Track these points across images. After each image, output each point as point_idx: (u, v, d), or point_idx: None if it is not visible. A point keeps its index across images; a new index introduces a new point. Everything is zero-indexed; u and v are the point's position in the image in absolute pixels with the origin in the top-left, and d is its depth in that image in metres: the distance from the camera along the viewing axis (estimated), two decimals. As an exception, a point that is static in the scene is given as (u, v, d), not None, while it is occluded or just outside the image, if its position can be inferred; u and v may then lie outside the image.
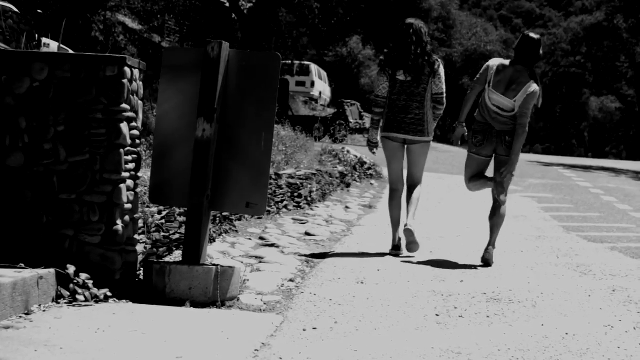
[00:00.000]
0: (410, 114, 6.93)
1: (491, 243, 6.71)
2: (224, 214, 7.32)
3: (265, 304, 4.86)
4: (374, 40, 34.89)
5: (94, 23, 24.88)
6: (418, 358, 3.82)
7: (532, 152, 54.47)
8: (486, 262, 6.62)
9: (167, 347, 3.71)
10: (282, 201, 9.45)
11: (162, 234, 6.27)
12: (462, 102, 6.94)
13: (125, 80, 4.75)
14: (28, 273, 4.22)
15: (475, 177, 6.89)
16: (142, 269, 5.09)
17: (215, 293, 4.73)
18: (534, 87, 6.53)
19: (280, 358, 3.70)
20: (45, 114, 4.73)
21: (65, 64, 4.75)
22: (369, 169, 15.41)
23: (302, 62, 36.60)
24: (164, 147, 5.12)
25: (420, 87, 6.92)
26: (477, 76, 6.78)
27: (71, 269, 4.47)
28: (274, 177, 10.40)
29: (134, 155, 4.95)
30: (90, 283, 4.52)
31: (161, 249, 5.83)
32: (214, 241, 6.66)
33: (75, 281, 4.47)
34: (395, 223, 7.01)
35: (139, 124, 5.04)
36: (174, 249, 5.94)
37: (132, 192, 4.94)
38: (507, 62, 6.69)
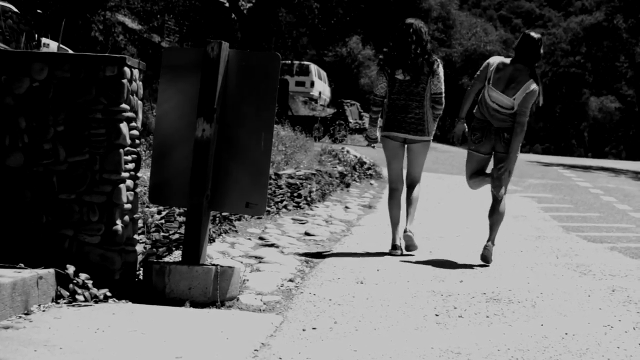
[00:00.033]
0: (410, 113, 6.95)
1: (490, 240, 6.72)
2: (224, 214, 7.32)
3: (264, 304, 4.86)
4: (374, 40, 34.89)
5: (94, 23, 24.87)
6: (417, 358, 3.82)
7: (532, 152, 54.46)
8: (485, 259, 6.63)
9: (166, 347, 3.71)
10: (281, 201, 9.45)
11: (162, 234, 6.27)
12: (461, 102, 6.95)
13: (124, 80, 4.75)
14: (27, 273, 4.22)
15: (475, 174, 6.91)
16: (141, 269, 5.09)
17: (214, 293, 4.73)
18: (534, 86, 6.54)
19: (280, 358, 3.70)
20: (45, 114, 4.73)
21: (65, 64, 4.75)
22: (369, 169, 15.41)
23: (302, 62, 36.59)
24: (163, 147, 5.12)
25: (419, 86, 6.93)
26: (477, 73, 6.80)
27: (71, 269, 4.47)
28: (273, 177, 10.40)
29: (134, 155, 4.95)
30: (89, 283, 4.52)
31: (161, 249, 5.83)
32: (214, 241, 6.66)
33: (75, 281, 4.47)
34: (395, 222, 7.02)
35: (139, 124, 5.04)
36: (174, 249, 5.94)
37: (132, 192, 4.94)
38: (507, 60, 6.70)
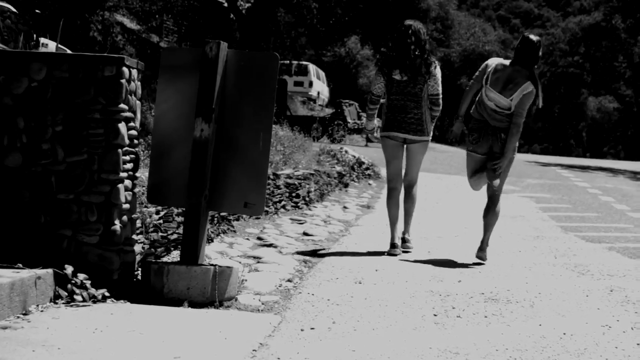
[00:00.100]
0: (409, 113, 6.99)
1: (485, 241, 6.77)
2: (222, 214, 7.32)
3: (263, 304, 4.87)
4: (372, 40, 34.87)
5: (92, 23, 24.85)
6: (416, 358, 3.82)
7: (530, 152, 54.51)
8: (480, 258, 6.69)
9: (165, 347, 3.71)
10: (280, 201, 9.45)
11: (160, 234, 6.27)
12: (460, 102, 6.99)
13: (123, 80, 4.75)
14: (26, 273, 4.22)
15: (474, 174, 6.94)
16: (140, 269, 5.09)
17: (213, 293, 4.74)
18: (531, 87, 6.56)
19: (278, 358, 3.70)
20: (43, 114, 4.73)
21: (63, 64, 4.75)
22: (367, 169, 15.41)
23: (300, 62, 36.61)
24: (162, 147, 5.12)
25: (416, 87, 6.96)
26: (476, 74, 6.82)
27: (69, 269, 4.47)
28: (272, 177, 10.40)
29: (132, 156, 4.95)
30: (88, 283, 4.52)
31: (159, 249, 5.83)
32: (212, 241, 6.66)
33: (73, 281, 4.47)
34: (393, 222, 7.06)
35: (137, 124, 5.04)
36: (172, 249, 5.94)
37: (130, 192, 4.94)
38: (506, 62, 6.72)
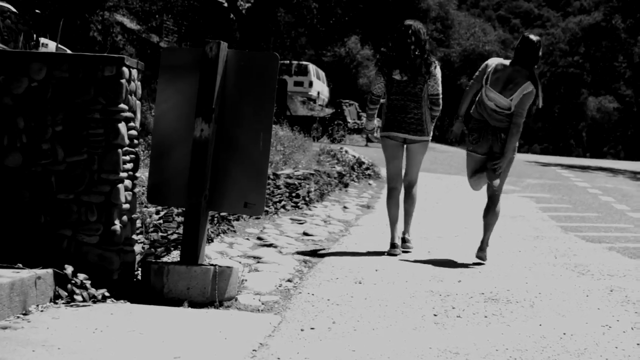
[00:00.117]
0: (409, 113, 7.00)
1: (484, 241, 6.79)
2: (222, 214, 7.32)
3: (263, 304, 4.86)
4: (372, 40, 34.86)
5: (92, 23, 24.86)
6: (416, 358, 3.82)
7: (530, 152, 54.49)
8: (479, 258, 6.71)
9: (165, 347, 3.71)
10: (280, 201, 9.45)
11: (160, 234, 6.27)
12: (460, 102, 6.99)
13: (123, 80, 4.75)
14: (26, 273, 4.22)
15: (474, 174, 6.95)
16: (140, 269, 5.09)
17: (213, 293, 4.73)
18: (531, 87, 6.56)
19: (278, 358, 3.70)
20: (43, 114, 4.73)
21: (63, 64, 4.75)
22: (367, 169, 15.41)
23: (300, 62, 36.62)
24: (162, 147, 5.12)
25: (416, 87, 6.97)
26: (476, 74, 6.83)
27: (69, 269, 4.47)
28: (272, 177, 10.40)
29: (132, 156, 4.95)
30: (88, 283, 4.52)
31: (159, 249, 5.83)
32: (212, 241, 6.66)
33: (73, 281, 4.47)
34: (394, 221, 7.07)
35: (137, 124, 5.04)
36: (172, 249, 5.94)
37: (130, 192, 4.94)
38: (506, 62, 6.73)
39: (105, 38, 24.94)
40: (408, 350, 3.95)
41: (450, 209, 11.05)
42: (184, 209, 5.22)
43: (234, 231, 7.41)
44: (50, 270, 4.41)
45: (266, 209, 8.71)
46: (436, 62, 7.08)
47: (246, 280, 5.37)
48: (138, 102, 5.05)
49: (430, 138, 7.15)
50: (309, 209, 9.76)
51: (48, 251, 4.66)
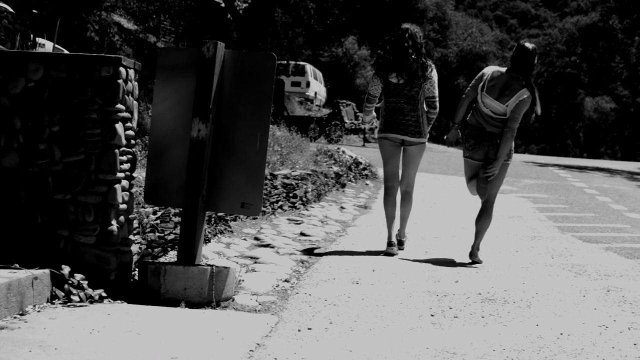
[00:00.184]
0: (406, 115, 7.05)
1: (475, 246, 6.87)
2: (219, 214, 7.31)
3: (260, 304, 4.86)
4: (370, 41, 34.91)
5: (89, 23, 24.84)
6: (413, 358, 3.83)
7: (527, 152, 54.54)
8: (473, 262, 6.77)
9: (162, 347, 3.71)
10: (277, 201, 9.44)
11: (157, 234, 6.27)
12: (457, 102, 7.04)
13: (120, 81, 4.75)
14: (23, 273, 4.21)
15: (471, 179, 6.99)
16: (137, 269, 5.09)
17: (210, 293, 4.73)
18: (527, 94, 6.64)
19: (275, 358, 3.70)
20: (40, 114, 4.72)
21: (61, 64, 4.74)
22: (364, 169, 15.41)
23: (298, 63, 36.64)
24: (159, 148, 5.12)
25: (413, 90, 7.02)
26: (472, 82, 6.91)
27: (66, 270, 4.47)
28: (269, 177, 10.39)
29: (129, 156, 4.95)
30: (85, 283, 4.51)
31: (156, 250, 5.83)
32: (209, 241, 6.66)
33: (70, 282, 4.46)
34: (391, 220, 7.12)
35: (134, 124, 5.03)
36: (169, 249, 5.94)
37: (127, 193, 4.94)
38: (503, 69, 6.81)
39: (103, 38, 24.92)
40: (405, 350, 3.95)
41: (448, 210, 11.06)
42: (181, 209, 5.22)
43: (231, 231, 7.40)
44: (47, 271, 4.40)
45: (263, 209, 8.71)
46: (432, 65, 7.13)
47: (243, 280, 5.37)
48: (135, 103, 5.05)
49: (427, 140, 7.21)
50: (306, 210, 9.76)
51: (45, 251, 4.66)
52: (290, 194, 9.99)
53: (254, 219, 8.23)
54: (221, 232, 7.17)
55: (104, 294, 4.58)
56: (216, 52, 4.94)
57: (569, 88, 61.98)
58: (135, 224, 6.04)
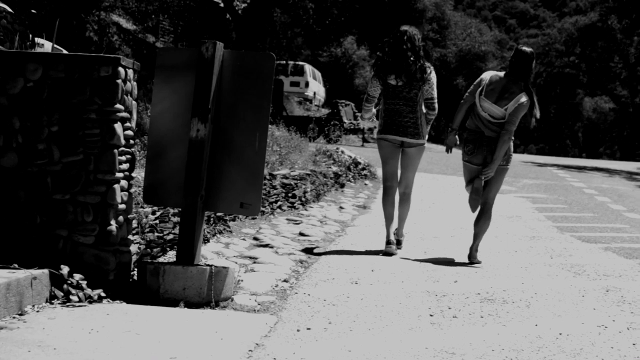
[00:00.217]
0: (405, 117, 7.08)
1: (474, 248, 6.88)
2: (218, 214, 7.31)
3: (259, 304, 4.86)
4: (368, 41, 34.93)
5: (88, 23, 24.83)
6: (412, 358, 3.83)
7: (526, 152, 54.55)
8: (471, 263, 6.77)
9: (161, 347, 3.71)
10: (276, 201, 9.44)
11: (156, 234, 6.26)
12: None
13: (119, 81, 4.74)
14: (22, 273, 4.21)
15: (470, 182, 7.01)
16: (136, 269, 5.09)
17: (209, 293, 4.73)
18: (525, 98, 6.67)
19: (274, 358, 3.70)
20: (39, 114, 4.72)
21: (59, 64, 4.74)
22: (363, 169, 15.41)
23: (297, 63, 36.64)
24: (158, 148, 5.12)
25: (411, 92, 7.04)
26: (471, 88, 6.94)
27: (65, 270, 4.47)
28: (268, 177, 10.39)
29: (128, 156, 4.95)
30: (84, 283, 4.51)
31: (155, 250, 5.83)
32: (208, 241, 6.65)
33: (69, 281, 4.46)
34: (389, 218, 7.14)
35: (133, 124, 5.03)
36: (168, 249, 5.94)
37: (126, 193, 4.94)
38: (501, 73, 6.84)
39: (102, 38, 24.91)
40: (404, 350, 3.95)
41: (447, 210, 11.06)
42: (180, 209, 5.21)
43: (230, 231, 7.40)
44: (46, 271, 4.40)
45: (262, 209, 8.70)
46: (431, 67, 7.15)
47: (242, 280, 5.37)
48: (134, 103, 5.04)
49: (426, 141, 7.24)
50: (305, 210, 9.76)
51: (44, 251, 4.65)
52: (289, 194, 9.99)
53: (253, 219, 8.22)
54: (220, 232, 7.17)
55: (103, 294, 4.58)
56: (215, 52, 4.94)
57: (568, 88, 62.02)
58: (134, 224, 6.04)
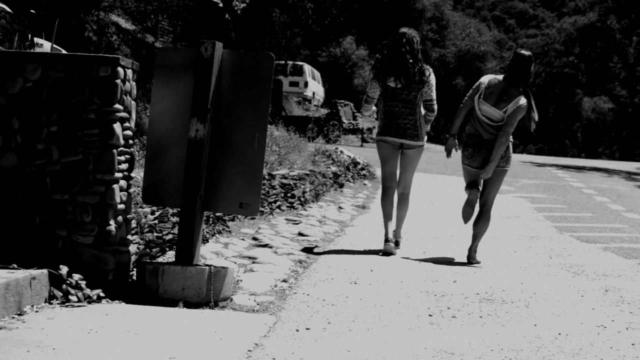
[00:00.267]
0: (404, 119, 7.11)
1: (472, 249, 6.89)
2: (217, 214, 7.31)
3: (258, 304, 4.86)
4: (368, 41, 34.90)
5: (87, 23, 24.82)
6: (411, 358, 3.83)
7: (525, 152, 54.56)
8: (471, 264, 6.78)
9: (160, 347, 3.71)
10: (275, 201, 9.44)
11: (155, 234, 6.26)
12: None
13: (118, 81, 4.74)
14: (21, 273, 4.21)
15: (470, 185, 7.03)
16: (135, 269, 5.09)
17: (208, 293, 4.73)
18: (524, 100, 6.69)
19: (273, 358, 3.70)
20: (38, 114, 4.72)
21: (59, 64, 4.74)
22: (362, 169, 15.41)
23: (296, 63, 36.62)
24: (157, 148, 5.12)
25: (410, 94, 7.06)
26: (470, 92, 6.96)
27: (64, 270, 4.47)
28: (267, 177, 10.39)
29: (127, 156, 4.95)
30: (83, 283, 4.51)
31: (154, 250, 5.83)
32: (207, 241, 6.65)
33: (68, 282, 4.46)
34: (388, 218, 7.15)
35: (132, 124, 5.03)
36: (167, 249, 5.93)
37: (125, 193, 4.94)
38: (500, 77, 6.87)
39: (101, 38, 24.89)
40: (403, 350, 3.95)
41: (446, 210, 11.06)
42: (179, 209, 5.21)
43: (229, 231, 7.40)
44: (45, 271, 4.40)
45: (261, 209, 8.70)
46: (430, 69, 7.16)
47: (241, 280, 5.37)
48: (133, 103, 5.04)
49: (425, 143, 7.27)
50: (304, 210, 9.76)
51: (43, 251, 4.65)
52: (289, 194, 9.99)
53: (252, 219, 8.22)
54: (219, 232, 7.17)
55: (102, 294, 4.58)
56: (214, 52, 4.94)
57: (567, 88, 62.02)
58: (134, 224, 6.04)
